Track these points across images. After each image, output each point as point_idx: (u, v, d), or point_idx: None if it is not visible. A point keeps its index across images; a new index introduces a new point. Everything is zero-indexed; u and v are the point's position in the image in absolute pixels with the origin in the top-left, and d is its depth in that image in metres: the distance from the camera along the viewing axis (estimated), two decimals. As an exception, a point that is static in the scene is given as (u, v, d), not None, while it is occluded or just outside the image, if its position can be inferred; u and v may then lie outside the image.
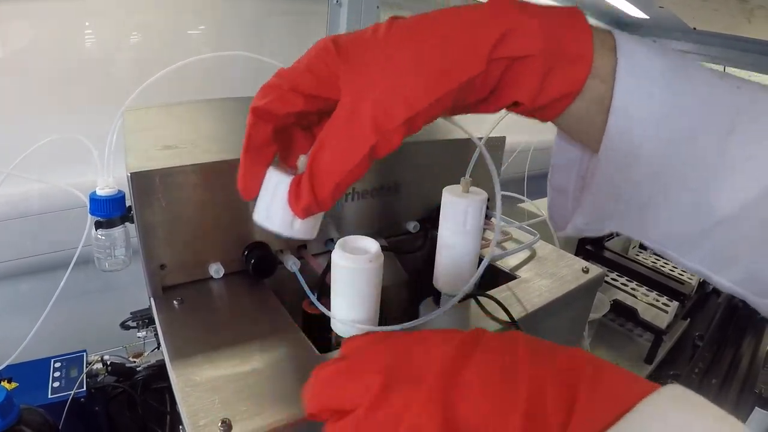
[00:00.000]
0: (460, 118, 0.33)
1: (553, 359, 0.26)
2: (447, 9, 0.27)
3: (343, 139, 0.26)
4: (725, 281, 0.30)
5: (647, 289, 1.36)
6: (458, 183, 0.53)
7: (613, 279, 1.40)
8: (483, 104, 0.29)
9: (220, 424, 0.33)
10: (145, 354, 0.75)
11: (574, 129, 0.30)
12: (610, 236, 1.47)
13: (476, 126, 0.74)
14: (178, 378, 0.38)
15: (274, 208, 0.31)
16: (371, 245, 0.44)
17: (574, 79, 0.27)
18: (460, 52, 0.25)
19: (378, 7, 1.25)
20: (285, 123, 0.30)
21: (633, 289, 1.37)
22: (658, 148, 0.27)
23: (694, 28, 1.64)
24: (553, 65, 0.26)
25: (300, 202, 0.28)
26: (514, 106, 0.29)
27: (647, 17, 1.82)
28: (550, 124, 0.31)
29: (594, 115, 0.28)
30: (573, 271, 0.60)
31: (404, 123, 0.25)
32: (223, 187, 0.48)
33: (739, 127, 0.27)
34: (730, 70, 1.94)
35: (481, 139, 0.52)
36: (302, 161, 0.32)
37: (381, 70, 0.26)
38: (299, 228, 0.32)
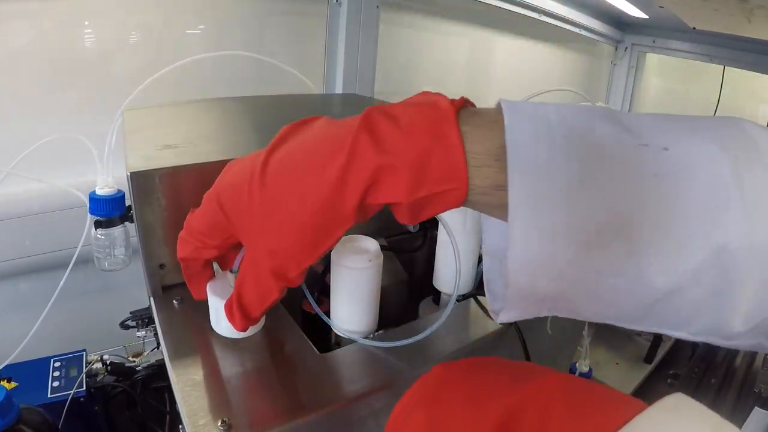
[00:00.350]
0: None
1: (529, 384, 0.27)
2: (312, 142, 0.28)
3: (255, 286, 0.32)
4: (681, 335, 0.28)
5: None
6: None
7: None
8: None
9: (219, 423, 0.33)
10: (145, 353, 0.75)
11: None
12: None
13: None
14: (177, 377, 0.38)
15: (221, 324, 0.40)
16: (371, 245, 0.44)
17: (450, 202, 0.26)
18: (330, 218, 0.28)
19: (378, 6, 1.25)
20: (210, 259, 0.36)
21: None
22: (572, 247, 0.25)
23: (694, 28, 1.64)
24: (424, 203, 0.26)
25: (236, 324, 0.34)
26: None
27: (647, 17, 1.82)
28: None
29: (496, 214, 0.27)
30: (572, 271, 0.60)
31: (298, 274, 0.31)
32: (223, 186, 0.48)
33: (671, 206, 0.24)
34: (730, 69, 1.94)
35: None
36: (231, 277, 0.39)
37: (264, 231, 0.30)
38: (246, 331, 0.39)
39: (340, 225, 0.28)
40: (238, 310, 0.33)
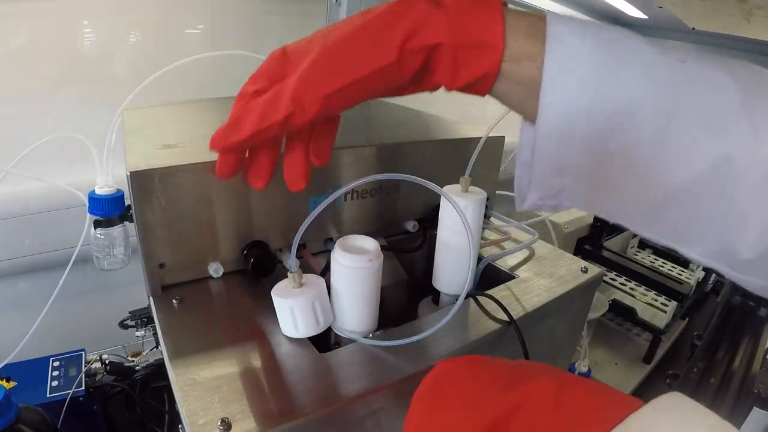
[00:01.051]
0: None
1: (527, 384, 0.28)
2: (369, 9, 0.30)
3: (264, 102, 0.31)
4: (694, 254, 0.30)
5: (646, 289, 1.36)
6: (457, 182, 0.53)
7: (611, 278, 1.40)
8: (413, 86, 0.32)
9: (219, 423, 0.33)
10: (144, 353, 0.75)
11: (512, 106, 0.32)
12: (609, 235, 1.47)
13: (475, 126, 0.74)
14: (177, 377, 0.38)
15: (287, 325, 0.43)
16: (370, 244, 0.44)
17: (485, 64, 0.29)
18: (371, 45, 0.29)
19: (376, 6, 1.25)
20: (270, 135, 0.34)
21: (632, 288, 1.37)
22: (594, 124, 0.28)
23: (693, 28, 1.64)
24: (462, 52, 0.29)
25: (214, 137, 0.35)
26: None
27: (646, 17, 1.83)
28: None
29: (523, 95, 0.30)
30: (572, 271, 0.60)
31: (313, 101, 0.30)
32: (223, 186, 0.48)
33: (682, 106, 0.27)
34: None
35: (480, 139, 0.52)
36: (291, 277, 0.42)
37: (307, 61, 0.30)
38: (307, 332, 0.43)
39: (375, 60, 0.29)
40: (229, 123, 0.34)
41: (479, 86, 0.30)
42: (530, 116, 0.30)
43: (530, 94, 0.29)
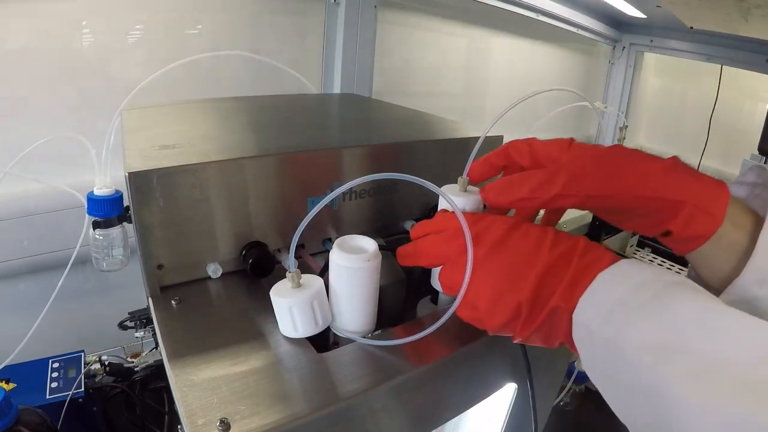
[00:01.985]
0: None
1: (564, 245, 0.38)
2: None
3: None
4: None
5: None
6: (455, 182, 0.53)
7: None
8: (643, 221, 0.39)
9: (218, 423, 0.33)
10: (143, 354, 0.75)
11: (704, 265, 0.38)
12: (608, 234, 1.47)
13: (476, 124, 0.74)
14: (176, 378, 0.38)
15: (286, 326, 0.43)
16: (369, 244, 0.44)
17: (709, 226, 0.36)
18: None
19: (375, 6, 1.25)
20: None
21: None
22: None
23: (692, 27, 1.64)
24: (697, 213, 0.36)
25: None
26: (665, 236, 0.39)
27: (645, 16, 1.83)
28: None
29: (723, 258, 0.36)
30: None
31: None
32: (221, 186, 0.48)
33: None
34: (728, 68, 1.94)
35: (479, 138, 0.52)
36: (289, 277, 0.42)
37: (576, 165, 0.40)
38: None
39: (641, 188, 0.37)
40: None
41: (692, 243, 0.37)
42: (712, 277, 0.38)
43: (726, 259, 0.36)
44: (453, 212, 0.41)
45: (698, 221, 0.36)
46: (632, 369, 0.31)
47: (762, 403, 0.25)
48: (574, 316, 0.35)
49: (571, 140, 0.42)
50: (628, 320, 0.32)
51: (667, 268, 1.52)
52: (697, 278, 0.40)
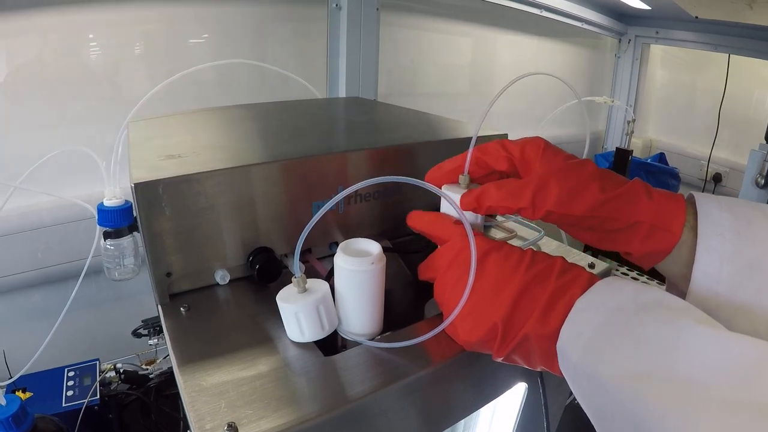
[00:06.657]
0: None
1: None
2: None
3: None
4: None
5: (658, 282, 1.35)
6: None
7: (623, 273, 1.39)
8: (607, 236, 0.41)
9: (226, 427, 0.33)
10: (158, 361, 0.76)
11: (672, 275, 0.40)
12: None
13: (482, 123, 0.74)
14: (185, 383, 0.38)
15: (293, 330, 0.43)
16: (373, 247, 0.45)
17: (665, 243, 0.38)
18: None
19: (378, 9, 1.26)
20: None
21: (644, 282, 1.36)
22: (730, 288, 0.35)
23: (696, 17, 1.62)
24: (653, 232, 0.38)
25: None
26: (627, 255, 0.41)
27: (649, 8, 1.81)
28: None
29: (687, 266, 0.38)
30: (578, 267, 0.59)
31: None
32: (226, 193, 0.49)
33: None
34: (736, 57, 1.92)
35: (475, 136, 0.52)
36: (294, 282, 0.43)
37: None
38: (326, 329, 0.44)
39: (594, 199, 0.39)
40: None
41: (653, 259, 0.40)
42: (680, 284, 0.40)
43: (684, 268, 0.38)
44: (449, 219, 0.45)
45: (656, 239, 0.38)
46: (615, 399, 0.31)
47: (743, 424, 0.25)
48: (557, 347, 0.36)
49: (545, 143, 0.45)
50: (604, 351, 0.32)
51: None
52: (672, 285, 0.42)
